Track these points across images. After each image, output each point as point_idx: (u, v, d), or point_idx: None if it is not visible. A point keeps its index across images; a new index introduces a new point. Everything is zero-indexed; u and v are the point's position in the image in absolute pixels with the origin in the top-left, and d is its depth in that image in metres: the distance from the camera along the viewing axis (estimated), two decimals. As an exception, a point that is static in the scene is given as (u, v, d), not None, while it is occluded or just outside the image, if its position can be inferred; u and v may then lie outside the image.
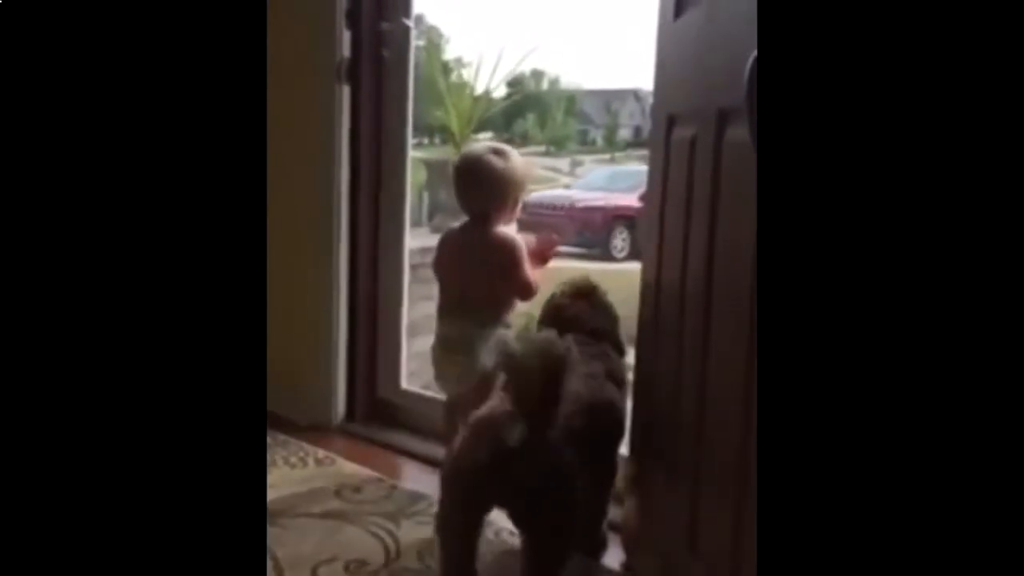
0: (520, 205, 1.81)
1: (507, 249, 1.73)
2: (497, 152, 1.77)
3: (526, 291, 1.74)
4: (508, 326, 1.77)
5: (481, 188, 1.76)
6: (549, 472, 1.25)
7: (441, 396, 1.98)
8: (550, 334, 1.30)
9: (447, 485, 1.34)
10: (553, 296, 1.65)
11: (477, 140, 3.34)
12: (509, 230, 1.77)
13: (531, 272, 1.73)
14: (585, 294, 1.63)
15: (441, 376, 1.82)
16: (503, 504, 1.30)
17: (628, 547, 1.56)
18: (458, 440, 1.32)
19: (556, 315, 1.59)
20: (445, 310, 1.81)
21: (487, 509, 1.32)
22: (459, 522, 1.33)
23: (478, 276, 1.75)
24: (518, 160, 1.78)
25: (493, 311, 1.74)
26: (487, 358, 1.67)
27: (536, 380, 1.23)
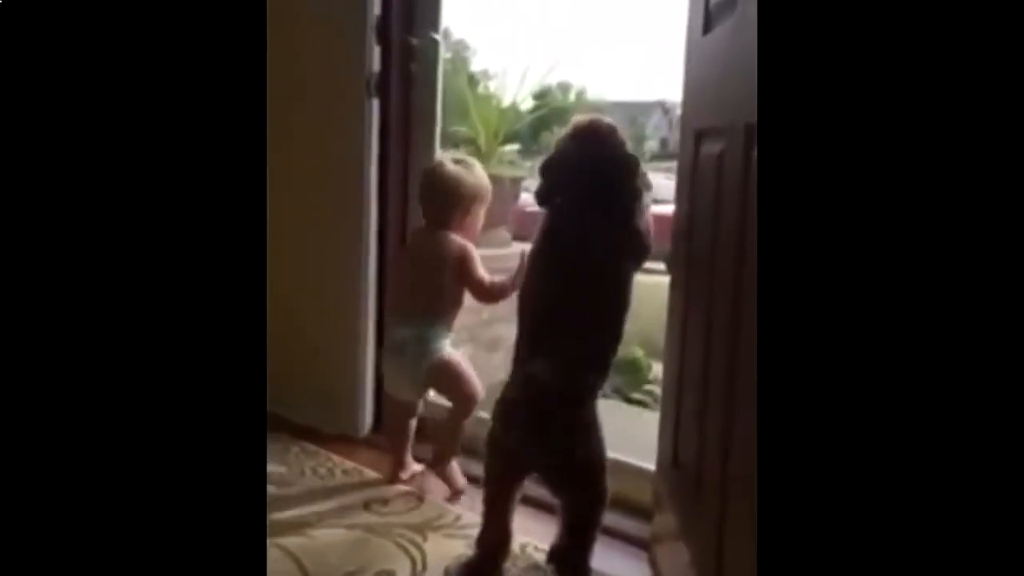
0: (479, 218, 1.89)
1: (455, 249, 1.82)
2: (457, 163, 1.88)
3: (480, 290, 1.83)
4: (444, 327, 1.84)
5: (436, 196, 1.85)
6: (579, 439, 1.41)
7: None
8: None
9: (488, 455, 1.49)
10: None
11: (504, 152, 3.35)
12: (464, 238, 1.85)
13: (485, 275, 1.82)
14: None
15: (390, 382, 1.91)
16: (538, 471, 1.46)
17: (655, 564, 1.55)
18: (495, 413, 1.48)
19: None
20: (393, 314, 1.90)
21: (523, 475, 1.48)
22: (499, 485, 1.50)
23: (423, 279, 1.84)
24: (476, 172, 1.87)
25: (439, 314, 1.82)
26: (423, 359, 1.79)
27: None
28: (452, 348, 1.86)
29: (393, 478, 1.93)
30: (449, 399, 1.87)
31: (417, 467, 1.96)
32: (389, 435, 1.99)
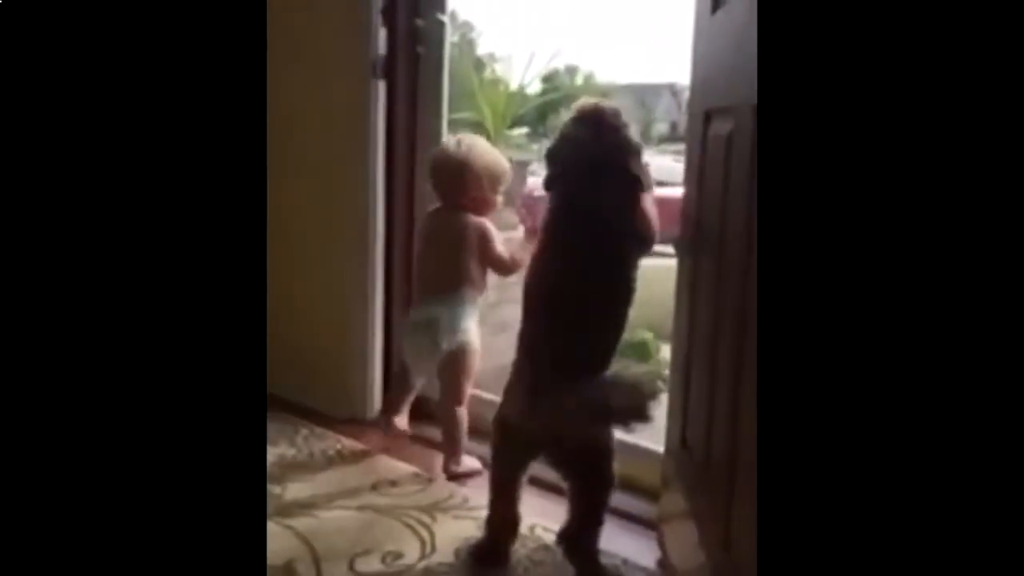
0: (495, 196, 1.89)
1: (473, 229, 1.84)
2: (461, 143, 1.87)
3: (501, 266, 1.87)
4: (470, 304, 1.87)
5: (444, 177, 1.86)
6: (586, 422, 1.39)
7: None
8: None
9: (495, 437, 1.51)
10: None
11: (512, 136, 3.34)
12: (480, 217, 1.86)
13: (505, 250, 1.85)
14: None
15: (412, 359, 1.92)
16: (546, 453, 1.46)
17: (663, 544, 1.56)
18: (504, 394, 1.50)
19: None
20: (420, 293, 1.92)
21: (531, 458, 1.49)
22: (506, 468, 1.50)
23: (443, 258, 1.85)
24: (481, 151, 1.86)
25: (461, 293, 1.84)
26: (446, 339, 1.82)
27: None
28: (476, 331, 1.88)
29: (388, 423, 1.96)
30: (446, 385, 1.87)
31: (403, 424, 1.98)
32: (392, 386, 2.01)
